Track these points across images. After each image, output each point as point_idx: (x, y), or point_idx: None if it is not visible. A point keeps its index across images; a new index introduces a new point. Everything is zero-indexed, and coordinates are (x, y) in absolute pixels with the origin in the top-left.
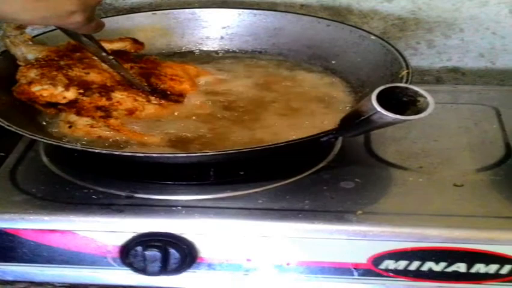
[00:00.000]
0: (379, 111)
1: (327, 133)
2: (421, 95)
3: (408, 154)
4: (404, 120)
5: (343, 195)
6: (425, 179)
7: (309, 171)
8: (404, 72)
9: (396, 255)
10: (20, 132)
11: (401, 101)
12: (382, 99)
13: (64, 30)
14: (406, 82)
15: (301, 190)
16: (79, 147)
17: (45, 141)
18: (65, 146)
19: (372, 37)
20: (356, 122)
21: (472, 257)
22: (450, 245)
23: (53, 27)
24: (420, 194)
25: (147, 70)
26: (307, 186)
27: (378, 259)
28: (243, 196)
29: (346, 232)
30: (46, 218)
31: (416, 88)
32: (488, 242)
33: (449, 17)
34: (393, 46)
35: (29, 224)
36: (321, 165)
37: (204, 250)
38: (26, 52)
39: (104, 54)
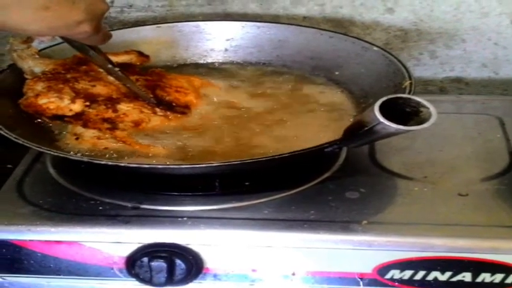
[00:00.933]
0: (382, 122)
1: (331, 143)
2: (424, 106)
3: (413, 164)
4: (407, 131)
5: (348, 205)
6: (429, 189)
7: (314, 182)
8: (407, 83)
9: (402, 264)
10: (27, 145)
11: (404, 112)
12: (385, 110)
13: (71, 43)
14: (409, 93)
15: (307, 200)
16: (85, 159)
17: (51, 153)
18: (71, 158)
19: (375, 48)
20: (359, 132)
21: (477, 266)
22: (455, 254)
23: (60, 41)
24: (425, 203)
25: (152, 82)
26: (312, 196)
27: (383, 269)
28: (249, 206)
29: (351, 242)
30: (53, 229)
31: (418, 99)
32: (494, 252)
33: (451, 28)
34: (395, 57)
35: (36, 236)
36: (326, 175)
37: (210, 261)
38: (32, 65)
39: (110, 66)
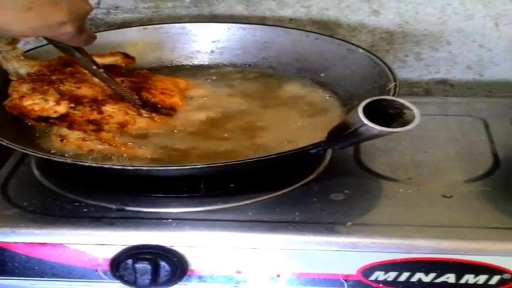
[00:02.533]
0: (366, 124)
1: (315, 145)
2: (407, 108)
3: (398, 165)
4: (391, 133)
5: (333, 206)
6: (414, 190)
7: (299, 183)
8: (392, 85)
9: (386, 266)
10: (12, 146)
11: (388, 114)
12: (369, 112)
13: (55, 44)
14: (393, 94)
15: (292, 202)
16: (69, 160)
17: (35, 155)
18: (55, 159)
19: (360, 50)
20: (343, 134)
21: (461, 267)
22: (439, 255)
23: (45, 42)
24: (409, 205)
25: (138, 84)
26: (297, 198)
27: (368, 270)
28: (234, 208)
29: (336, 244)
30: (37, 231)
31: (402, 101)
32: (477, 253)
33: (436, 30)
34: (380, 59)
35: (20, 238)
36: (311, 177)
37: (195, 262)
38: (18, 67)
39: (95, 67)
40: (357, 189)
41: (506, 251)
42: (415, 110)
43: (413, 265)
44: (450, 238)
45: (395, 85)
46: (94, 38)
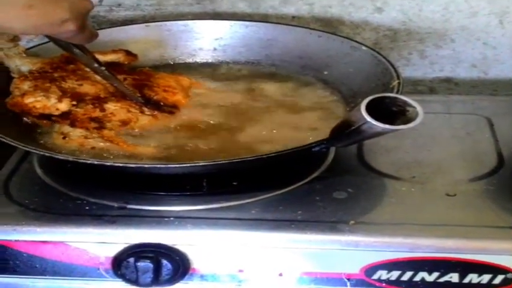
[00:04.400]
0: (369, 121)
1: (318, 143)
2: (410, 105)
3: (401, 164)
4: (394, 130)
5: (336, 205)
6: (417, 189)
7: (302, 182)
8: (395, 83)
9: (389, 265)
10: (14, 144)
11: (391, 111)
12: (372, 110)
13: (56, 42)
14: (397, 92)
15: (294, 200)
16: (70, 158)
17: (37, 152)
18: (57, 157)
19: (364, 48)
20: (346, 132)
21: (464, 267)
22: (443, 255)
23: (47, 40)
24: (412, 203)
25: (140, 81)
26: (300, 196)
27: (371, 269)
28: (236, 206)
29: (339, 242)
30: (39, 229)
31: (405, 98)
32: (481, 252)
33: (440, 27)
34: (384, 57)
35: (22, 236)
36: (314, 175)
37: (197, 261)
38: (20, 64)
39: (96, 65)
40: (360, 187)
41: (510, 250)
42: (418, 108)
43: (416, 264)
44: (453, 237)
45: (399, 83)
46: (96, 35)
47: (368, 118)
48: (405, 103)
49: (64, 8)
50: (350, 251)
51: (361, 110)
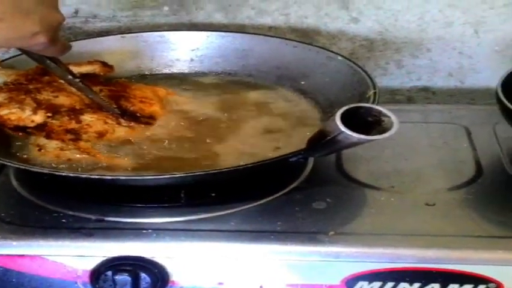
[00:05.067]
0: (344, 132)
1: (295, 153)
2: (385, 115)
3: (380, 173)
4: (369, 140)
5: (315, 216)
6: (397, 199)
7: (281, 192)
8: (371, 93)
9: (370, 276)
10: None
11: (367, 121)
12: (348, 120)
13: (29, 54)
14: (373, 102)
15: (273, 211)
16: (45, 170)
17: (12, 165)
18: (32, 169)
19: (340, 58)
20: (322, 142)
21: (446, 277)
22: (423, 265)
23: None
24: (392, 213)
25: (117, 93)
26: (279, 207)
27: (351, 280)
28: (215, 218)
29: (319, 253)
30: (14, 242)
31: (380, 108)
32: (462, 262)
33: (416, 37)
34: (360, 66)
35: None
36: (292, 185)
37: (176, 274)
38: None
39: (70, 77)
40: (340, 197)
41: (491, 260)
42: (393, 117)
43: (398, 275)
44: (434, 247)
45: (375, 92)
46: (69, 47)
47: (343, 128)
48: (381, 113)
49: (35, 21)
50: (331, 262)
51: (336, 120)
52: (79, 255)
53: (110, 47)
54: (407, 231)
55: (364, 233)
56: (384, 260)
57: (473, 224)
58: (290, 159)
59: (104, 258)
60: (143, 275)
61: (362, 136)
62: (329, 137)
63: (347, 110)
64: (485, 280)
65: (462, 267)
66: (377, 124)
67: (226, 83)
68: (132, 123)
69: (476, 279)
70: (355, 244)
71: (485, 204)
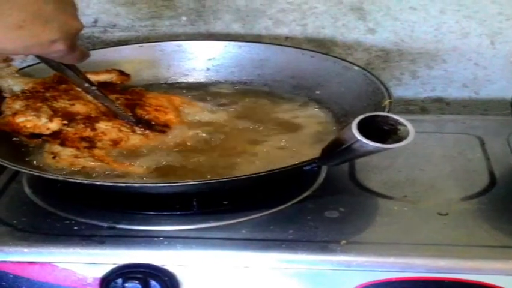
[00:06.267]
0: (359, 140)
1: (309, 162)
2: (402, 124)
3: (393, 183)
4: (385, 149)
5: (327, 224)
6: (409, 208)
7: (294, 201)
8: (387, 102)
9: (382, 285)
10: (3, 163)
11: (382, 130)
12: (363, 128)
13: (47, 62)
14: (388, 111)
15: (286, 220)
16: (60, 177)
17: (26, 171)
18: (46, 176)
19: (355, 68)
20: (337, 150)
21: (457, 286)
22: (435, 274)
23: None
24: (405, 223)
25: (132, 101)
26: (291, 216)
27: None
28: (226, 226)
29: (330, 262)
30: (26, 250)
31: (396, 117)
32: (473, 272)
33: (432, 48)
34: (375, 76)
35: (8, 256)
36: (305, 194)
37: (186, 282)
38: (12, 84)
39: (87, 85)
40: (352, 207)
41: (502, 270)
42: (409, 126)
43: (409, 284)
44: (446, 257)
45: (390, 102)
46: (88, 55)
47: (359, 137)
48: (397, 122)
49: (54, 29)
50: (342, 271)
51: (352, 128)
52: (89, 262)
53: (127, 56)
54: (419, 241)
55: (376, 242)
56: (396, 270)
57: (486, 234)
58: (304, 168)
59: (115, 266)
60: (153, 282)
61: (378, 144)
62: (344, 146)
63: (363, 119)
64: None
65: (474, 277)
66: (392, 133)
67: (242, 93)
68: (147, 132)
69: None
70: (367, 253)
71: (498, 215)
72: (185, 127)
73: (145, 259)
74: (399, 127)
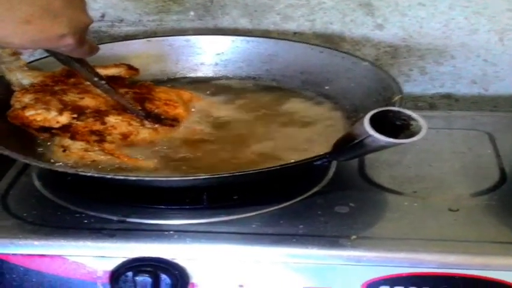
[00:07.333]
0: (372, 135)
1: (320, 157)
2: (414, 119)
3: (403, 179)
4: (397, 144)
5: (337, 220)
6: (419, 204)
7: (304, 196)
8: (397, 97)
9: (391, 280)
10: (13, 156)
11: (394, 125)
12: (375, 123)
13: (56, 56)
14: (399, 106)
15: (296, 215)
16: (70, 170)
17: (36, 164)
18: (56, 169)
19: (365, 63)
20: (349, 145)
21: (467, 282)
22: (445, 270)
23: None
24: (415, 218)
25: (141, 95)
26: (301, 210)
27: (372, 285)
28: (237, 220)
29: (340, 257)
30: (36, 242)
31: (408, 112)
32: (483, 268)
33: (440, 44)
34: (385, 72)
35: (18, 249)
36: (315, 189)
37: (196, 276)
38: (21, 78)
39: (96, 79)
40: (362, 202)
41: None
42: (422, 121)
43: (419, 280)
44: (456, 252)
45: (401, 97)
46: (97, 49)
47: (371, 131)
48: (409, 117)
49: (62, 23)
50: (352, 266)
51: (364, 123)
52: (99, 255)
53: (136, 50)
54: (429, 236)
55: (386, 237)
56: (405, 265)
57: (496, 230)
58: (315, 163)
59: (125, 259)
60: (163, 276)
61: (391, 139)
62: (356, 141)
63: (375, 114)
64: (506, 286)
65: (484, 273)
66: (404, 128)
67: (251, 87)
68: (156, 125)
69: (497, 284)
70: (377, 248)
71: (508, 211)
72: (195, 121)
73: (155, 253)
74: (412, 122)
